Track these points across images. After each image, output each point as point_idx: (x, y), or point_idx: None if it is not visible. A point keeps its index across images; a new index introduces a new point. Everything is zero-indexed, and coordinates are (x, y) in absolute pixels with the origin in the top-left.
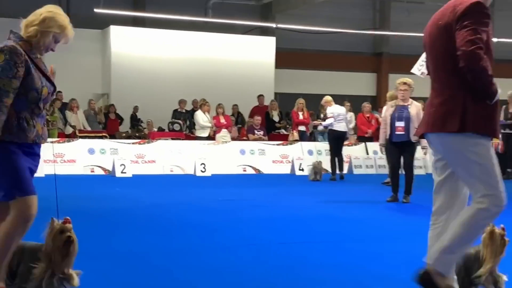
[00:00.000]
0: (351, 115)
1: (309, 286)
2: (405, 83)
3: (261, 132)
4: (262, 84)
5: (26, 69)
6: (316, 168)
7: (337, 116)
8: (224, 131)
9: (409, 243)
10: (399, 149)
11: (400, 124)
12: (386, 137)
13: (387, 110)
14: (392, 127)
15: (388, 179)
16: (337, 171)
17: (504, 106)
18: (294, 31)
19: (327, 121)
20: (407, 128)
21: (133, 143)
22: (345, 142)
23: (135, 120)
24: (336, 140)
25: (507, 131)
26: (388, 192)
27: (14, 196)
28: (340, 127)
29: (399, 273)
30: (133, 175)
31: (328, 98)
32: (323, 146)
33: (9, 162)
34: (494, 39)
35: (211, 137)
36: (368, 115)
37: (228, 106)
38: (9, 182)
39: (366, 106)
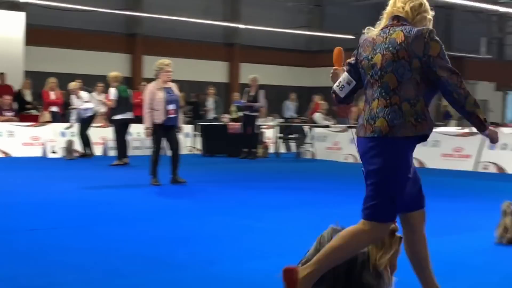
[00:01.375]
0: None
1: (60, 272)
2: (170, 65)
3: (11, 113)
4: (9, 62)
5: None
6: (69, 148)
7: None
8: None
9: (158, 223)
10: (165, 132)
11: (172, 107)
12: (154, 120)
13: (155, 93)
14: (165, 110)
15: (117, 161)
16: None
17: (246, 89)
18: (46, 7)
19: (86, 105)
20: (177, 111)
21: None
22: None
23: None
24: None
25: (247, 112)
26: (139, 174)
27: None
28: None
29: (146, 251)
30: None
31: (76, 84)
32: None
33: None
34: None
35: None
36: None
37: None
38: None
39: (100, 86)
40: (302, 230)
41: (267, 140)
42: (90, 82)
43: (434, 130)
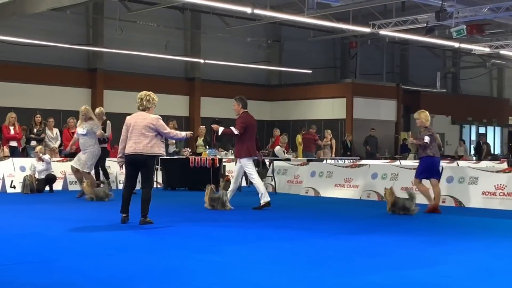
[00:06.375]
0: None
1: None
2: None
3: None
4: None
5: None
6: (28, 182)
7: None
8: None
9: (118, 258)
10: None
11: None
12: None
13: None
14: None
15: None
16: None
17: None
18: (4, 42)
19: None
20: None
21: None
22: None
23: None
24: None
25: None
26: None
27: None
28: None
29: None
30: None
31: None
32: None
33: None
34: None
35: None
36: (73, 131)
37: None
38: None
39: (71, 121)
40: (261, 265)
41: (228, 174)
42: (50, 117)
43: None
